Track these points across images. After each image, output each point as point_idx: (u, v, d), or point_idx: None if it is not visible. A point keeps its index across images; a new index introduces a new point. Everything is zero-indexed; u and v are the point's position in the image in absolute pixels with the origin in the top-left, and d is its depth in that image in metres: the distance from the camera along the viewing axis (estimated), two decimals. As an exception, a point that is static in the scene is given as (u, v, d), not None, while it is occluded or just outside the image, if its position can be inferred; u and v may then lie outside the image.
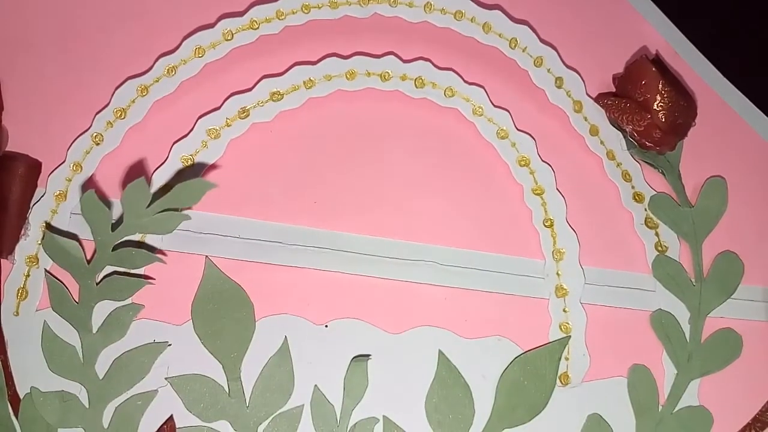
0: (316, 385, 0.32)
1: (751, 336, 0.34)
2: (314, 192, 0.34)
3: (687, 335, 0.34)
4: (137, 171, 0.33)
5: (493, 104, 0.35)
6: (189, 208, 0.32)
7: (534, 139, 0.35)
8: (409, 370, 0.32)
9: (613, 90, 0.36)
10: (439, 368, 0.32)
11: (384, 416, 0.32)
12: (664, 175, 0.35)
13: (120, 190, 0.32)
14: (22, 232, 0.32)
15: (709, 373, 0.33)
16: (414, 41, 0.35)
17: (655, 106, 0.34)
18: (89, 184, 0.32)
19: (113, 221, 0.31)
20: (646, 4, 0.36)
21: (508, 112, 0.35)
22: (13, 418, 0.31)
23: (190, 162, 0.33)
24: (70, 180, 0.32)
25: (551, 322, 0.34)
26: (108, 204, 0.32)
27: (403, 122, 0.35)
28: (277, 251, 0.33)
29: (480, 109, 0.35)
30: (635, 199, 0.35)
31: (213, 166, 0.33)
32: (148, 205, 0.31)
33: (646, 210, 0.35)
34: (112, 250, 0.31)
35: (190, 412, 0.31)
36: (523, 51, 0.35)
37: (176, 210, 0.31)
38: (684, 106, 0.34)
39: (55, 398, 0.31)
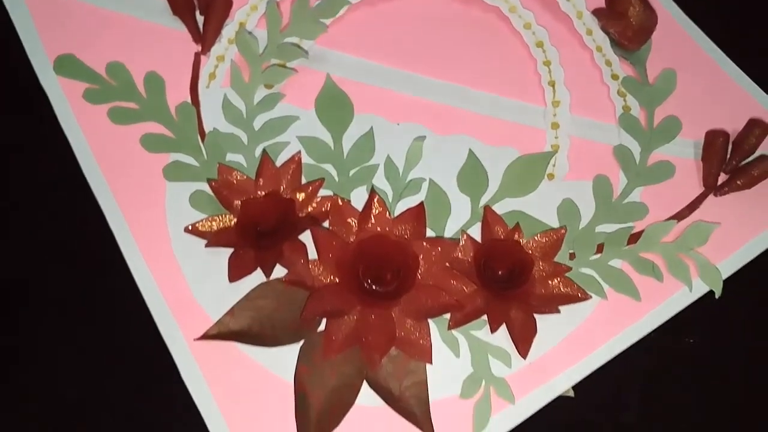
0: (388, 155, 0.46)
1: (681, 167, 0.47)
2: (401, 46, 0.49)
3: (637, 161, 0.47)
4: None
5: (522, 6, 0.51)
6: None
7: (548, 31, 0.50)
8: (448, 156, 0.46)
9: (604, 6, 0.51)
10: (468, 159, 0.46)
11: (430, 178, 0.45)
12: (634, 66, 0.50)
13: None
14: (217, 40, 0.48)
15: (649, 184, 0.46)
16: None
17: (629, 14, 0.49)
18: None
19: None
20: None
21: (532, 12, 0.50)
22: (201, 144, 0.45)
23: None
24: (248, 14, 0.48)
25: (546, 143, 0.48)
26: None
27: (462, 14, 0.51)
28: (372, 77, 0.48)
29: (514, 9, 0.51)
30: (612, 78, 0.49)
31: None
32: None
33: (619, 85, 0.49)
34: (277, 47, 0.47)
35: (309, 156, 0.45)
36: (546, -26, 0.51)
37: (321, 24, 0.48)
38: (649, 16, 0.49)
39: (227, 136, 0.45)
